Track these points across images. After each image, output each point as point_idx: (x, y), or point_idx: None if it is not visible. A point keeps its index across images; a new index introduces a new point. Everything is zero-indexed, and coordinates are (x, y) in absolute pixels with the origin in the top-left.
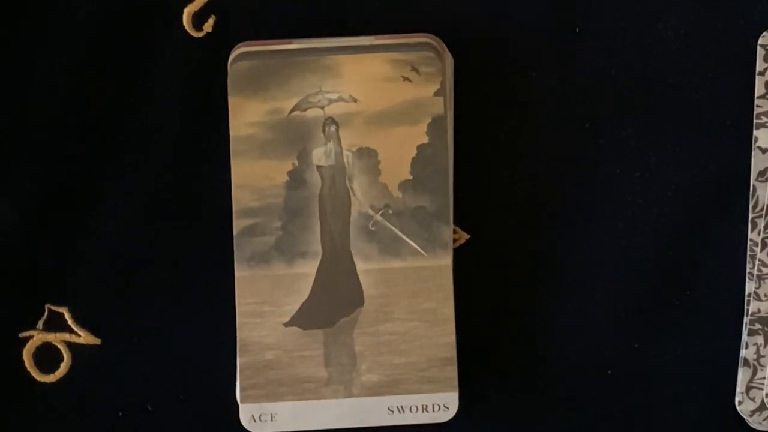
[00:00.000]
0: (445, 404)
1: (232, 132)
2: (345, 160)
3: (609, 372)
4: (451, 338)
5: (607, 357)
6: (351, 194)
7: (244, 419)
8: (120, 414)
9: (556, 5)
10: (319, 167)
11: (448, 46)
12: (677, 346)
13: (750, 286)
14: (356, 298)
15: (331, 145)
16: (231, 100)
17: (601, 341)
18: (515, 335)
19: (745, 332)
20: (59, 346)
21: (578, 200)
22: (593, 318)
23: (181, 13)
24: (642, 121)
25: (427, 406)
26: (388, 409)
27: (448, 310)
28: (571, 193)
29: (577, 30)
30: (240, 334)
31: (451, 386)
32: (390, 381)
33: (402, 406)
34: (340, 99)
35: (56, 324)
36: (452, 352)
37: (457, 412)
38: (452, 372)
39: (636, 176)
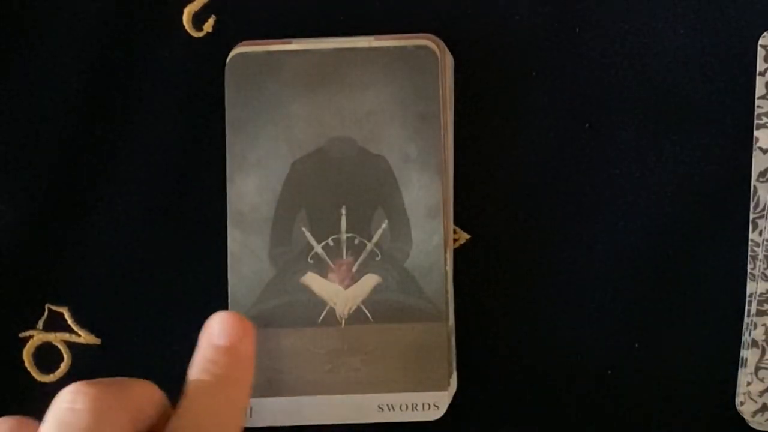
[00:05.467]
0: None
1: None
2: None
3: (609, 372)
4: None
5: (607, 357)
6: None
7: None
8: None
9: (556, 5)
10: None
11: (448, 46)
12: (677, 346)
13: (751, 287)
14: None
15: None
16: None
17: (601, 341)
18: (515, 335)
19: (745, 332)
20: (59, 346)
21: (578, 200)
22: (593, 318)
23: (181, 13)
24: (642, 121)
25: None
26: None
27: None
28: (571, 193)
29: (577, 30)
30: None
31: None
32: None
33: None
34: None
35: (56, 324)
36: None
37: (457, 411)
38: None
39: (636, 176)
